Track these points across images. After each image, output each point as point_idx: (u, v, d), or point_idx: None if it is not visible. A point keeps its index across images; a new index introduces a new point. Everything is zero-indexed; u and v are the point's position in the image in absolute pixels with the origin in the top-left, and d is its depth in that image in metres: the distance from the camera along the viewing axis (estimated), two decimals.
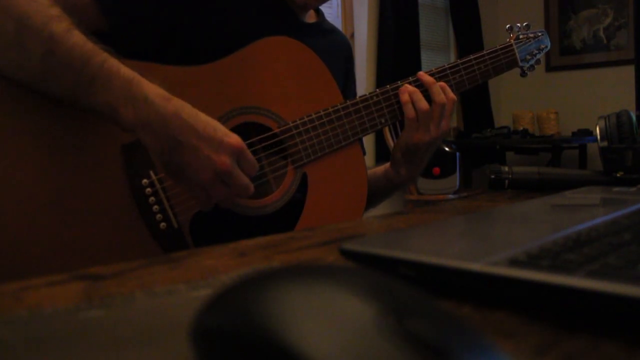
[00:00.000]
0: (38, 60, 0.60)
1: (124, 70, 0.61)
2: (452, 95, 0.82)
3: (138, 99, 0.60)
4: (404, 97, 0.81)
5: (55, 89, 0.62)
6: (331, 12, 3.05)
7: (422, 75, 0.83)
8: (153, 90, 0.61)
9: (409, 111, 0.81)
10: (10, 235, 0.61)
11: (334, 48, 0.93)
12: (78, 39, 0.61)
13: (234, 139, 0.62)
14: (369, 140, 3.09)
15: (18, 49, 0.60)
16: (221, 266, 0.36)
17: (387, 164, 0.93)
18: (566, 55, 3.95)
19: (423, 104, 0.81)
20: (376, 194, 0.94)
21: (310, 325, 0.16)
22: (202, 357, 0.19)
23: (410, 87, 0.82)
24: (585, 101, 3.82)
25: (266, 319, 0.17)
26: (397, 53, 3.24)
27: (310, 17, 0.91)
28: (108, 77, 0.60)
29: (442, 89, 0.82)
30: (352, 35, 3.20)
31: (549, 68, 3.97)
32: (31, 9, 0.60)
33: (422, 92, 0.82)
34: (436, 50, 3.80)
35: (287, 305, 0.17)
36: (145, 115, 0.60)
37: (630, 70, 3.44)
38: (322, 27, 0.92)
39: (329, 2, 0.88)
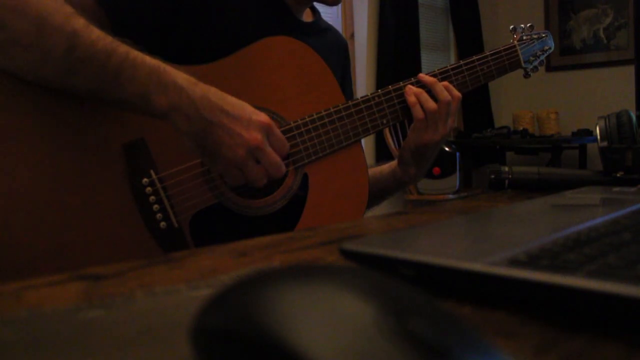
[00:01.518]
0: (61, 57, 0.60)
1: (148, 59, 0.63)
2: (456, 93, 0.83)
3: (168, 85, 0.62)
4: (411, 99, 0.81)
5: (80, 84, 0.62)
6: (331, 12, 3.05)
7: (423, 76, 0.83)
8: (180, 76, 0.63)
9: (418, 112, 0.81)
10: (11, 235, 0.61)
11: (331, 46, 0.93)
12: (98, 33, 0.62)
13: (263, 116, 0.65)
14: (369, 140, 3.08)
15: (40, 48, 0.60)
16: (221, 266, 0.36)
17: (393, 163, 0.93)
18: (566, 55, 3.95)
19: (431, 103, 0.81)
20: (383, 192, 0.94)
21: (311, 325, 0.16)
22: (202, 357, 0.19)
23: (415, 89, 0.82)
24: (585, 101, 3.82)
25: (266, 319, 0.17)
26: (397, 53, 3.24)
27: (307, 17, 0.91)
28: (134, 67, 0.61)
29: (446, 87, 0.82)
30: (352, 35, 3.20)
31: (549, 68, 3.97)
32: (49, 8, 0.60)
33: (426, 92, 0.82)
34: (436, 50, 3.80)
35: (288, 305, 0.17)
36: (177, 100, 0.62)
37: (630, 70, 3.44)
38: (319, 26, 0.92)
39: (328, 3, 0.88)
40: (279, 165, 0.66)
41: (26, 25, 0.59)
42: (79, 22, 0.61)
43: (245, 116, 0.64)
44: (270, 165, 0.66)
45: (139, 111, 0.63)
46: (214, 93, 0.64)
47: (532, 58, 0.92)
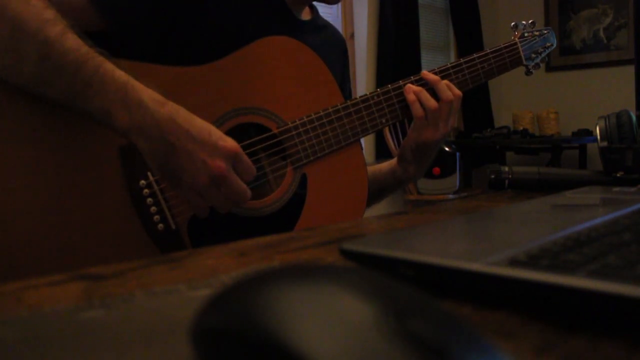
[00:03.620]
0: (33, 65, 0.60)
1: (118, 74, 0.61)
2: (457, 91, 0.82)
3: (132, 103, 0.60)
4: (411, 97, 0.81)
5: (51, 93, 0.61)
6: (331, 12, 3.05)
7: (426, 74, 0.83)
8: (147, 95, 0.61)
9: (417, 110, 0.81)
10: (11, 236, 0.61)
11: (329, 44, 0.93)
12: (72, 42, 0.60)
13: (229, 142, 0.62)
14: (369, 139, 3.08)
15: (13, 54, 0.60)
16: (221, 266, 0.36)
17: (392, 161, 0.93)
18: (566, 55, 3.95)
19: (432, 102, 0.81)
20: (381, 190, 0.94)
21: (310, 325, 0.16)
22: (202, 357, 0.19)
23: (414, 87, 0.82)
24: (585, 101, 3.82)
25: (266, 319, 0.17)
26: (397, 53, 3.24)
27: (305, 15, 0.91)
28: (102, 82, 0.60)
29: (447, 86, 0.82)
30: (352, 35, 3.20)
31: (549, 68, 3.97)
32: (25, 13, 0.59)
33: (426, 90, 0.82)
34: (436, 50, 3.80)
35: (287, 305, 0.17)
36: (140, 119, 0.59)
37: (630, 70, 3.44)
38: (317, 24, 0.92)
39: (328, 2, 0.88)
40: (243, 192, 0.63)
41: (0, 30, 0.59)
42: (54, 31, 0.60)
43: (211, 142, 0.61)
44: (233, 194, 0.63)
45: (105, 126, 0.62)
46: (181, 115, 0.61)
47: (533, 55, 0.91)
